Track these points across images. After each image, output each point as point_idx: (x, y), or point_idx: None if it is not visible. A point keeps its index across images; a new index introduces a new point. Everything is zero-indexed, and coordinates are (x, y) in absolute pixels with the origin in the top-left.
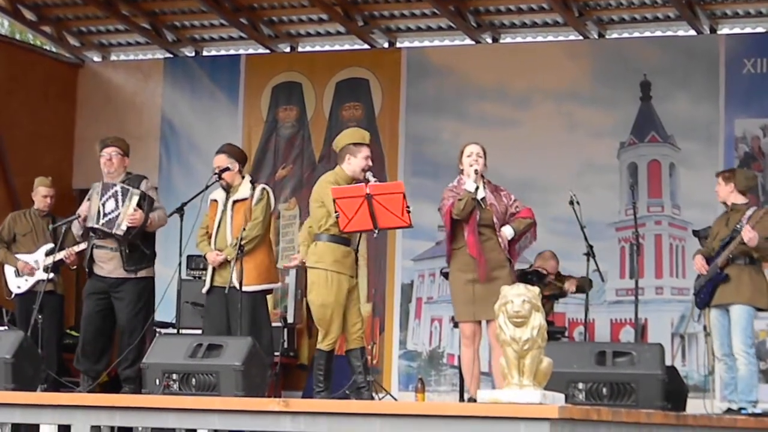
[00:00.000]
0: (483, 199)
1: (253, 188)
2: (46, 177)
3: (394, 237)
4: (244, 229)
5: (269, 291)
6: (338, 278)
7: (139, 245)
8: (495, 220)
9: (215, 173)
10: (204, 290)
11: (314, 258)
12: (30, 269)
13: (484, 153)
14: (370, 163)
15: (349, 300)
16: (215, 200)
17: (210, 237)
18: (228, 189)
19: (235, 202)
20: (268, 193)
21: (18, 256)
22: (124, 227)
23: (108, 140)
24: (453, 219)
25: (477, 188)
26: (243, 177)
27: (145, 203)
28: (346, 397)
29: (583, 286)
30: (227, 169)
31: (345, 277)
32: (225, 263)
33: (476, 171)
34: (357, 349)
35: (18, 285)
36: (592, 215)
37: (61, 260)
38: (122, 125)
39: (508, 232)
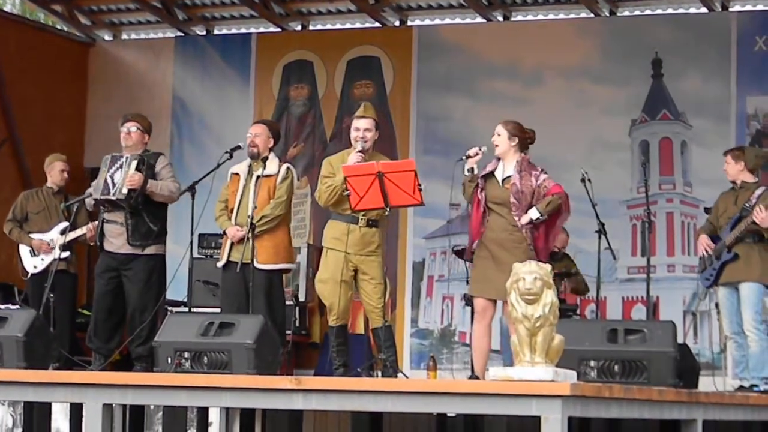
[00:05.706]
0: (507, 178)
1: (279, 166)
2: (60, 154)
3: (406, 215)
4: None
5: (286, 270)
6: (335, 255)
7: (144, 218)
8: (513, 199)
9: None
10: (219, 264)
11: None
12: (47, 247)
13: (509, 133)
14: (362, 135)
15: (357, 278)
16: (236, 173)
17: (230, 211)
18: (256, 157)
19: (260, 177)
20: (292, 172)
21: (31, 235)
22: (125, 191)
23: (129, 115)
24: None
25: (471, 169)
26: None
27: (144, 167)
28: (358, 375)
29: (578, 287)
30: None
31: (342, 254)
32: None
33: (468, 156)
34: (377, 328)
35: (34, 265)
36: (604, 193)
37: (75, 239)
38: (133, 104)
39: (533, 214)
